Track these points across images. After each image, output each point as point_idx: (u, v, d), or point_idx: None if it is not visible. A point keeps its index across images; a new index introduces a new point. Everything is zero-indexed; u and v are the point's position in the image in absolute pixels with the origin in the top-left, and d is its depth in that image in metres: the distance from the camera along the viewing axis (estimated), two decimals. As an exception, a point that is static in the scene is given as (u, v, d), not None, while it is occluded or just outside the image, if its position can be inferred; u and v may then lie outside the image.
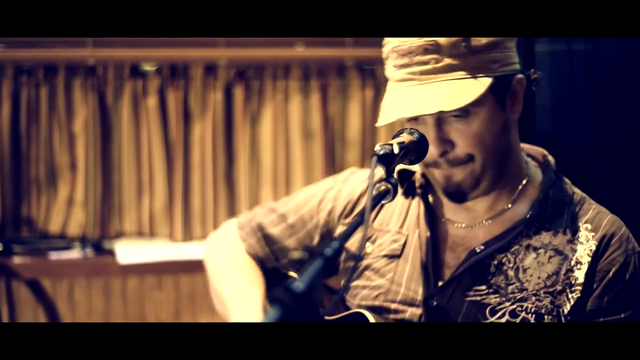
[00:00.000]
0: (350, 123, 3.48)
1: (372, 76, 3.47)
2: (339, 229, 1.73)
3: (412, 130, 1.46)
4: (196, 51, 3.34)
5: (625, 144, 2.23)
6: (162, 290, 3.32)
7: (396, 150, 1.39)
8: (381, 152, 1.37)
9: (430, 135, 1.50)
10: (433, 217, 1.65)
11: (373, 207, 1.32)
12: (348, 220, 1.72)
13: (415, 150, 1.45)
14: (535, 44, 2.31)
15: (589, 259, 1.52)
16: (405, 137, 1.44)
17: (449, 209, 1.64)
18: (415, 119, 1.53)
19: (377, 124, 1.52)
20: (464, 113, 1.49)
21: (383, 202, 1.40)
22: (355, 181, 1.76)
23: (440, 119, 1.51)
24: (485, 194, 1.58)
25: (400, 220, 1.68)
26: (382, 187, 1.38)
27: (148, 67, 3.37)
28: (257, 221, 1.82)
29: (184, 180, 3.39)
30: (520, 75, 1.56)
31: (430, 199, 1.67)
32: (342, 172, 1.84)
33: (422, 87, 1.48)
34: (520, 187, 1.61)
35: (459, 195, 1.56)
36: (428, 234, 1.62)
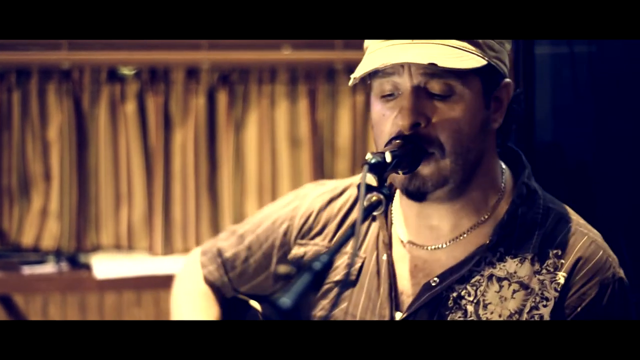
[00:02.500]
0: (340, 130, 3.48)
1: (363, 81, 3.40)
2: (294, 250, 1.66)
3: (406, 137, 1.40)
4: (177, 54, 3.34)
5: (630, 151, 2.19)
6: (141, 307, 3.33)
7: (388, 158, 1.34)
8: (373, 161, 1.33)
9: (405, 103, 1.42)
10: (393, 238, 1.56)
11: (364, 219, 1.29)
12: (304, 240, 1.65)
13: (409, 159, 1.39)
14: (536, 46, 2.29)
15: (556, 294, 1.42)
16: (398, 145, 1.39)
17: (412, 229, 1.54)
18: (391, 95, 1.46)
19: (354, 75, 1.48)
20: (448, 91, 1.41)
21: (375, 213, 1.34)
22: (314, 195, 1.69)
23: (419, 90, 1.42)
24: (448, 200, 1.47)
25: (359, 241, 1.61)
26: (374, 198, 1.32)
27: (126, 71, 3.37)
28: (218, 246, 1.77)
29: (165, 190, 3.38)
30: (508, 80, 1.48)
31: (392, 218, 1.58)
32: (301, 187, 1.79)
33: (415, 45, 1.42)
34: (492, 204, 1.50)
35: (420, 192, 1.45)
36: (385, 257, 1.54)
